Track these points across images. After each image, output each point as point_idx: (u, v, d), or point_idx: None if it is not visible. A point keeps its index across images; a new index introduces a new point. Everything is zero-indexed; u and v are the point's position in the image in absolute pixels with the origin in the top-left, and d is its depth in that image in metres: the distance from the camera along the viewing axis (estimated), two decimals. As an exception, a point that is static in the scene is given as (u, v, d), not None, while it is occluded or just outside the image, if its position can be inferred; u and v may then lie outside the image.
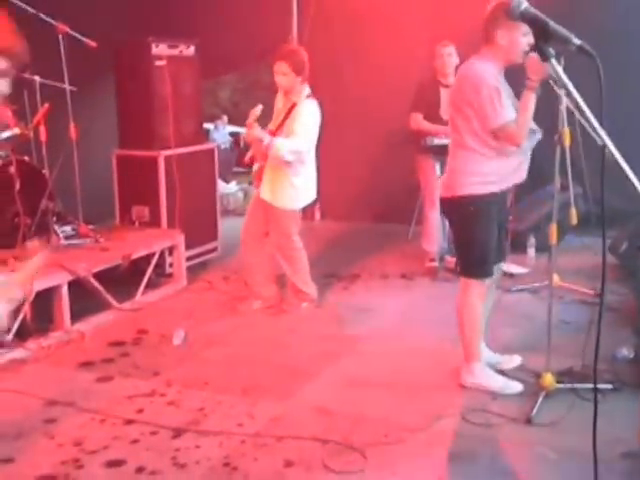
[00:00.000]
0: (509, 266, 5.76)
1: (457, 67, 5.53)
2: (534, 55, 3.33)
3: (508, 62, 3.46)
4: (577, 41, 1.57)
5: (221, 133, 14.60)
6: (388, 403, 3.60)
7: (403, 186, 6.88)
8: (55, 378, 4.01)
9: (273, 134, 4.76)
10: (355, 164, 7.41)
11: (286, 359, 4.21)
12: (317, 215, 7.96)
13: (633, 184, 1.54)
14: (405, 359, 4.16)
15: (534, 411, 3.38)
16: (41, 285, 4.36)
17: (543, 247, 5.04)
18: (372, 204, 7.44)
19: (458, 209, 3.60)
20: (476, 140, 3.47)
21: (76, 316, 4.65)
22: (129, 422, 3.44)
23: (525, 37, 3.34)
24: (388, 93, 6.74)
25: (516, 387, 3.68)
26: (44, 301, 4.43)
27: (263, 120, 4.74)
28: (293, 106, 4.79)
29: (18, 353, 4.22)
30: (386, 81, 6.90)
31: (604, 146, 1.53)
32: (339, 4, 7.26)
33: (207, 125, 12.25)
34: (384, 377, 3.90)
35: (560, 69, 1.60)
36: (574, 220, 4.76)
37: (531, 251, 6.04)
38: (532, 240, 6.01)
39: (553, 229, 3.80)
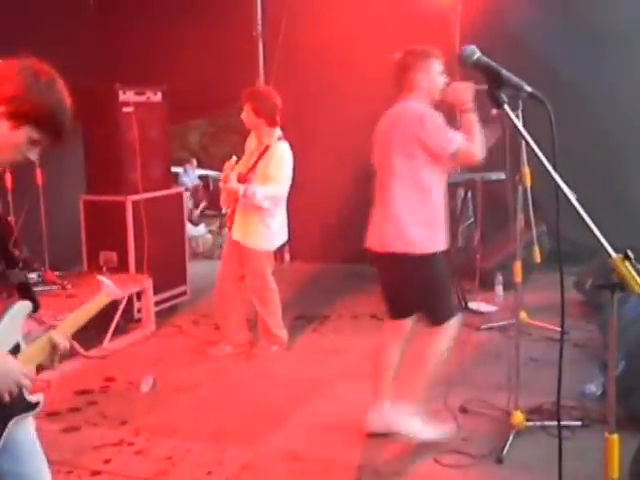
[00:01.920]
0: (478, 304, 5.83)
1: None
2: (453, 84, 3.45)
3: (430, 102, 3.53)
4: (528, 88, 1.62)
5: (190, 176, 14.63)
6: (360, 447, 3.58)
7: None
8: (20, 429, 3.92)
9: (244, 177, 4.78)
10: (324, 206, 7.46)
11: (256, 404, 4.17)
12: (286, 257, 7.97)
13: (587, 224, 1.58)
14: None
15: (504, 450, 3.39)
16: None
17: (511, 284, 5.09)
18: (341, 245, 7.46)
19: (419, 267, 3.47)
20: (429, 174, 3.44)
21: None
22: (96, 473, 3.38)
23: (441, 75, 3.47)
24: (356, 136, 6.77)
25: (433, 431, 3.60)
26: (9, 350, 4.35)
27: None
28: (266, 149, 4.83)
29: (-18, 404, 4.13)
30: (355, 124, 6.95)
31: (557, 188, 1.58)
32: (306, 47, 7.38)
33: (176, 169, 12.26)
34: (355, 420, 3.86)
35: (513, 115, 1.65)
36: (537, 258, 4.84)
37: (499, 289, 6.09)
38: (499, 278, 6.07)
39: (518, 267, 3.87)
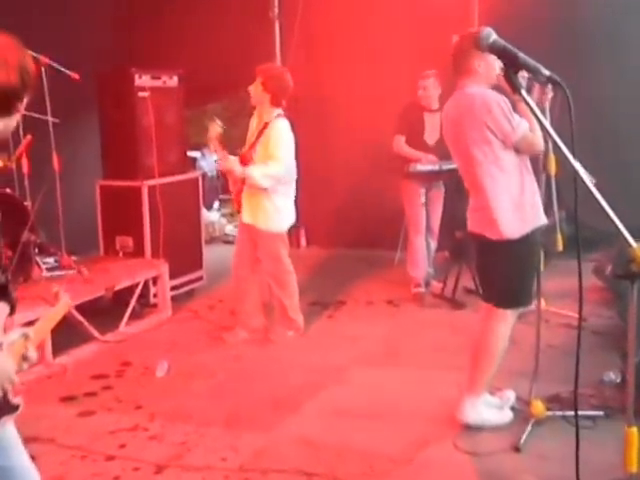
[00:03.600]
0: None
1: (440, 95, 5.59)
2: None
3: (488, 87, 3.47)
4: (546, 72, 1.56)
5: (208, 161, 14.59)
6: (374, 433, 3.55)
7: (389, 212, 6.88)
8: (36, 413, 3.91)
9: (244, 157, 4.75)
10: (341, 190, 7.42)
11: (271, 390, 4.15)
12: (303, 242, 7.94)
13: (604, 210, 1.53)
14: (391, 388, 4.12)
15: (522, 439, 3.35)
16: (22, 318, 4.29)
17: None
18: (358, 230, 7.42)
19: (509, 251, 3.43)
20: (508, 157, 3.39)
21: (58, 349, 4.58)
22: (110, 458, 3.38)
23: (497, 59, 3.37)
24: (373, 118, 6.75)
25: (509, 414, 3.62)
26: (25, 335, 4.37)
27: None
28: (265, 126, 4.78)
29: (-2, 388, 4.15)
30: (371, 106, 6.92)
31: (575, 174, 1.52)
32: (322, 31, 7.31)
33: (194, 153, 12.22)
34: (369, 407, 3.85)
35: (530, 99, 1.60)
36: (559, 247, 4.76)
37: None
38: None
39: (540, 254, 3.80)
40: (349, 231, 7.42)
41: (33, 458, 3.34)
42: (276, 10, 7.68)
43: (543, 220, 3.49)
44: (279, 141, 4.68)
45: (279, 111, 4.81)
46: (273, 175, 4.64)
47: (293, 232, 7.92)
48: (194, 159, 12.49)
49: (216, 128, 4.67)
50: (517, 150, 3.38)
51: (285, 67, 7.47)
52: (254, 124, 4.92)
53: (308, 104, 7.57)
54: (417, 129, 5.64)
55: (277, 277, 4.92)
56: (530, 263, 3.52)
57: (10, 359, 1.80)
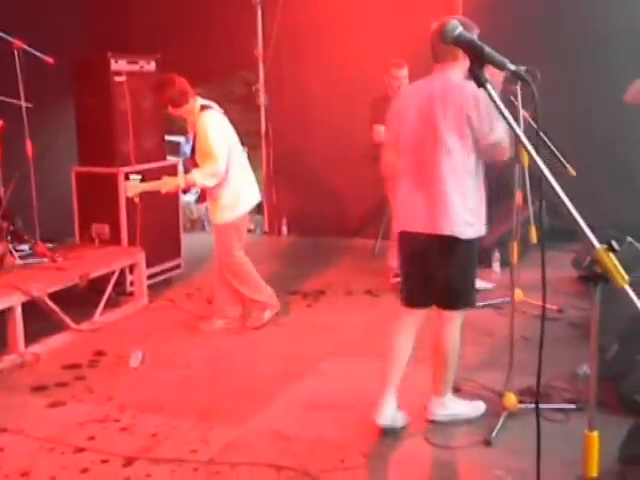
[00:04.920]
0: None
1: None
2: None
3: (465, 76, 3.37)
4: (512, 67, 1.53)
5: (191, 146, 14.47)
6: (347, 426, 3.52)
7: (370, 201, 6.86)
8: (6, 403, 3.89)
9: (192, 163, 4.73)
10: (322, 178, 7.37)
11: (245, 380, 4.12)
12: (284, 230, 7.90)
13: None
14: (366, 379, 4.08)
15: (494, 432, 3.34)
16: (-7, 307, 4.25)
17: (508, 262, 5.01)
18: (338, 219, 7.39)
19: (463, 248, 3.29)
20: (476, 159, 3.24)
21: (31, 338, 4.52)
22: (79, 450, 3.34)
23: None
24: (354, 106, 6.70)
25: (482, 406, 3.61)
26: (-3, 323, 4.32)
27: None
28: (194, 126, 4.71)
29: (-31, 378, 4.10)
30: (352, 94, 6.86)
31: (542, 175, 1.49)
32: (304, 16, 7.24)
33: (178, 138, 12.12)
34: (343, 398, 3.82)
35: (494, 94, 1.56)
36: (533, 239, 4.76)
37: (496, 266, 6.02)
38: (497, 255, 5.99)
39: (514, 247, 3.79)
40: (330, 220, 7.39)
41: (1, 449, 3.35)
42: (258, -2, 7.60)
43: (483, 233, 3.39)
44: (207, 137, 4.59)
45: (199, 103, 4.71)
46: (213, 173, 4.60)
47: (274, 220, 7.93)
48: (177, 144, 12.39)
49: (134, 188, 4.67)
50: (482, 153, 3.24)
51: (265, 54, 7.48)
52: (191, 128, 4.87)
53: (289, 91, 7.53)
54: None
55: (228, 268, 4.88)
56: (475, 265, 3.49)
57: None
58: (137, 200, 4.80)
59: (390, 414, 3.41)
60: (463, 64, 3.25)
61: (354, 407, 3.70)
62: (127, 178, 4.62)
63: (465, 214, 3.24)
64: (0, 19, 5.03)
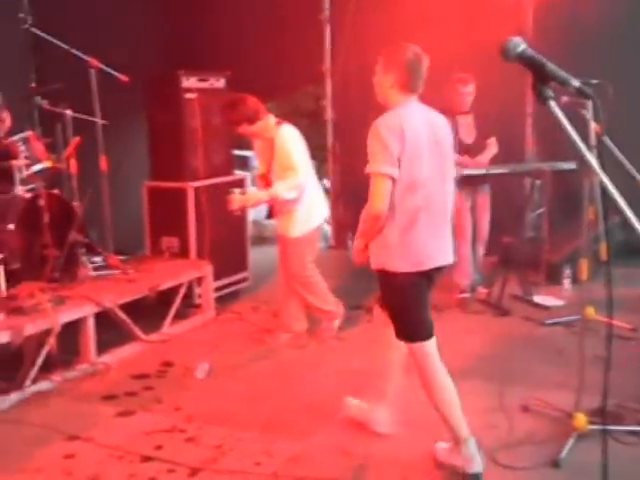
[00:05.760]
0: (543, 298, 5.63)
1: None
2: None
3: None
4: (576, 83, 1.49)
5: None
6: (410, 443, 3.48)
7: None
8: (78, 411, 4.00)
9: (265, 178, 4.78)
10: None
11: (309, 395, 4.13)
12: (350, 244, 7.89)
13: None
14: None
15: (563, 453, 3.25)
16: (67, 317, 4.38)
17: (579, 279, 4.89)
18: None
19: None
20: None
21: (102, 348, 4.65)
22: (147, 459, 3.40)
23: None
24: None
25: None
26: (70, 333, 4.45)
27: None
28: (272, 142, 4.74)
29: (43, 385, 4.24)
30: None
31: (602, 185, 1.46)
32: (373, 31, 7.24)
33: (247, 152, 12.29)
34: (408, 415, 3.77)
35: (558, 111, 1.53)
36: (603, 256, 4.62)
37: (566, 282, 5.88)
38: (567, 271, 5.85)
39: (583, 264, 3.69)
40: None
41: (72, 456, 3.45)
42: (327, 12, 7.66)
43: None
44: (288, 150, 4.66)
45: (273, 120, 4.77)
46: (295, 185, 4.66)
47: (340, 234, 7.93)
48: (246, 158, 12.57)
49: (239, 201, 4.73)
50: None
51: (334, 69, 7.51)
52: (259, 145, 4.92)
53: (356, 106, 7.52)
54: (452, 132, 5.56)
55: (299, 280, 4.91)
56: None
57: None
58: (238, 213, 4.88)
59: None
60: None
61: (416, 424, 3.65)
62: (230, 192, 4.72)
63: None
64: (75, 38, 5.23)
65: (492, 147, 5.57)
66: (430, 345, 3.27)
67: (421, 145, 3.12)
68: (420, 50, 3.30)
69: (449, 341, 4.91)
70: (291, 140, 4.70)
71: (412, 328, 3.26)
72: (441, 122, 3.31)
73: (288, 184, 4.65)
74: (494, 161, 5.58)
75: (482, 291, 5.76)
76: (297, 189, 4.68)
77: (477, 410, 3.76)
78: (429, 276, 3.23)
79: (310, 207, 4.82)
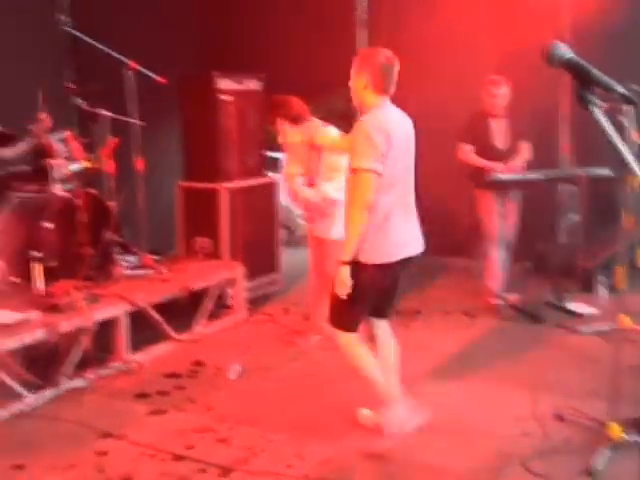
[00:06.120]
0: (577, 305, 5.56)
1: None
2: None
3: None
4: (620, 89, 1.48)
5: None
6: (441, 449, 3.47)
7: (470, 220, 6.74)
8: (111, 409, 4.05)
9: (310, 179, 4.75)
10: (419, 196, 7.29)
11: (340, 397, 4.12)
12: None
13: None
14: (462, 403, 4.03)
15: (597, 464, 3.20)
16: (102, 315, 4.44)
17: (615, 287, 4.83)
18: (436, 238, 7.27)
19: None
20: None
21: (135, 346, 4.69)
22: (179, 458, 3.43)
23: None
24: (449, 124, 6.63)
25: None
26: (104, 331, 4.51)
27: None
28: (313, 142, 4.70)
29: (78, 383, 4.30)
30: (453, 113, 6.79)
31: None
32: (410, 33, 7.22)
33: (279, 154, 12.33)
34: (440, 420, 3.76)
35: (602, 117, 1.51)
36: (639, 263, 4.56)
37: (601, 290, 5.80)
38: (602, 279, 5.77)
39: (620, 272, 3.64)
40: (427, 239, 7.29)
41: (105, 453, 3.49)
42: (363, 14, 7.65)
43: None
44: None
45: (316, 122, 4.75)
46: (343, 186, 4.62)
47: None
48: (278, 160, 12.60)
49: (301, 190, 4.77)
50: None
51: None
52: (291, 138, 4.82)
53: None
54: (483, 136, 5.53)
55: None
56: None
57: None
58: (301, 206, 4.96)
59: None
60: None
61: (447, 430, 3.65)
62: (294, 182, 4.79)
63: None
64: (112, 39, 5.29)
65: (525, 152, 5.52)
66: (357, 337, 3.60)
67: (399, 144, 3.36)
68: (392, 54, 3.47)
69: (483, 347, 4.93)
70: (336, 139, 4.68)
71: (352, 319, 3.51)
72: (409, 123, 3.54)
73: (336, 185, 4.65)
74: (528, 167, 5.53)
75: (514, 297, 5.70)
76: (342, 190, 4.65)
77: (510, 418, 3.73)
78: (400, 266, 3.48)
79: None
